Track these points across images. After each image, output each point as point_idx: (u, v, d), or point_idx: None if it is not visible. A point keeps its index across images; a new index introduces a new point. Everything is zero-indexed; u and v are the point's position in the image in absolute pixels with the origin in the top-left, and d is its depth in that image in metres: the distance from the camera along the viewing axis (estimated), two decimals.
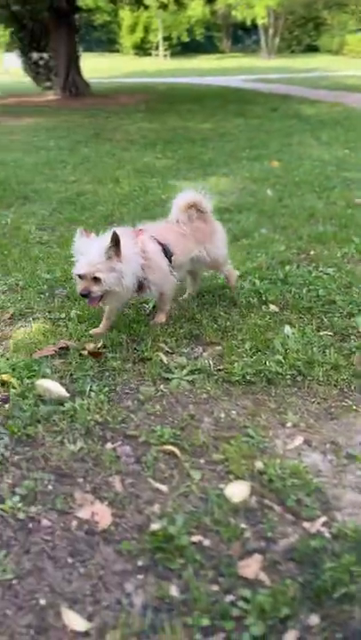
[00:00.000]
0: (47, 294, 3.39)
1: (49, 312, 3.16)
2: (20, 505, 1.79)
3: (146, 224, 3.02)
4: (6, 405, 2.31)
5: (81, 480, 1.92)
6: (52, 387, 2.37)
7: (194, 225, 3.03)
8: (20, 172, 6.94)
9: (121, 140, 9.36)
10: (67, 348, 2.73)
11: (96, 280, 2.53)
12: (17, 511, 1.77)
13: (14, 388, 2.40)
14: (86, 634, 1.40)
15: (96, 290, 2.56)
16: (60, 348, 2.73)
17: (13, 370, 2.52)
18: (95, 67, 25.63)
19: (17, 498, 1.82)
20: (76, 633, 1.40)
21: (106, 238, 2.55)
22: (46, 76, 18.11)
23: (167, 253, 2.85)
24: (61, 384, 2.41)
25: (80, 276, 2.57)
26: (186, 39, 45.16)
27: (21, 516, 1.76)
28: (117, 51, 48.16)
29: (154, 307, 3.16)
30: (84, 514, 1.77)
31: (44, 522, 1.74)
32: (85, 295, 2.58)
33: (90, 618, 1.44)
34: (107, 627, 1.42)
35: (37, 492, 1.85)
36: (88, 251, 2.57)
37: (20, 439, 2.11)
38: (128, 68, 32.43)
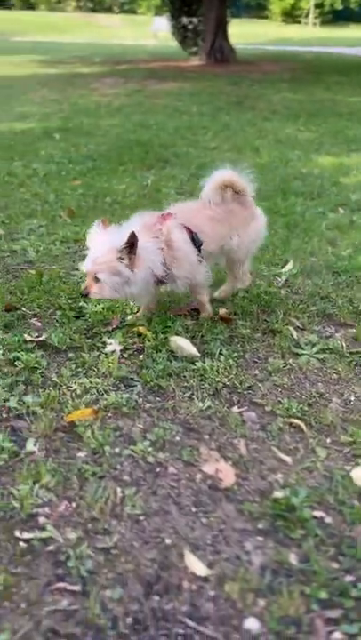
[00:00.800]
0: None
1: None
2: (150, 449, 1.89)
3: (176, 205, 2.71)
4: (140, 356, 2.43)
5: (207, 437, 1.98)
6: (185, 345, 2.45)
7: (229, 207, 2.66)
8: (163, 135, 7.07)
9: (263, 109, 9.17)
10: (197, 311, 2.79)
11: (97, 280, 2.33)
12: (147, 454, 1.87)
13: (149, 340, 2.51)
14: (206, 579, 1.46)
15: (95, 292, 2.35)
16: (192, 310, 2.80)
17: (149, 323, 2.63)
18: (241, 32, 25.13)
19: (147, 442, 1.92)
20: (196, 576, 1.47)
21: (122, 235, 2.29)
22: (193, 40, 18.11)
23: (196, 242, 2.53)
24: (193, 344, 2.48)
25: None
26: (339, 7, 42.76)
27: (150, 459, 1.86)
28: (265, 17, 46.82)
29: (286, 280, 3.13)
30: (208, 469, 1.83)
31: (171, 469, 1.83)
32: (85, 295, 2.39)
33: (210, 565, 1.50)
34: (225, 577, 1.47)
35: (166, 441, 1.94)
36: (98, 246, 2.35)
37: (152, 389, 2.22)
38: (275, 35, 31.45)
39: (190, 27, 17.95)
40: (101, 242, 2.35)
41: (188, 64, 16.63)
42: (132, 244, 2.27)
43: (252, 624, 1.36)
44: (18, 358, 2.35)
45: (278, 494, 1.71)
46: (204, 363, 2.36)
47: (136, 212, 2.56)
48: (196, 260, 2.54)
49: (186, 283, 2.55)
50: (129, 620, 1.36)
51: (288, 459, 1.89)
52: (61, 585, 1.43)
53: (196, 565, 1.49)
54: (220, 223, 2.64)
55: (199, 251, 2.54)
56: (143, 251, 2.34)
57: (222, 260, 2.87)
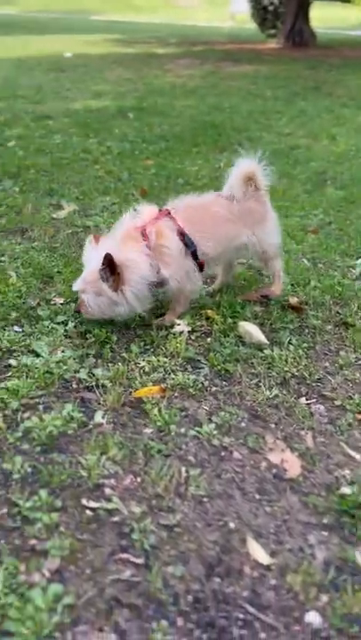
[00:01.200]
0: None
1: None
2: (215, 432, 1.89)
3: (182, 199, 2.51)
4: (208, 339, 2.42)
5: (273, 426, 1.96)
6: (254, 331, 2.41)
7: (246, 205, 2.47)
8: (236, 118, 6.97)
9: (342, 95, 8.87)
10: (268, 298, 2.74)
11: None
12: (212, 437, 1.87)
13: (217, 324, 2.49)
14: (268, 568, 1.45)
15: (85, 311, 2.33)
16: (262, 296, 2.76)
17: (218, 307, 2.61)
18: (322, 16, 24.28)
19: (212, 425, 1.92)
20: (258, 564, 1.46)
21: (103, 252, 2.18)
22: (272, 22, 17.68)
23: (188, 246, 2.34)
24: (261, 331, 2.44)
25: None
26: None
27: (215, 442, 1.85)
28: (348, 1, 45.00)
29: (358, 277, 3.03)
30: (274, 458, 1.81)
31: (236, 454, 1.82)
32: (79, 313, 2.38)
33: (272, 554, 1.49)
34: (288, 568, 1.45)
35: (231, 426, 1.93)
36: (88, 263, 2.29)
37: (219, 373, 2.20)
38: (358, 20, 30.21)
39: (271, 8, 17.51)
40: (90, 259, 2.27)
41: (264, 47, 16.28)
42: (109, 264, 2.16)
43: (313, 618, 1.34)
44: (89, 331, 2.39)
45: (346, 490, 1.67)
46: (272, 351, 2.32)
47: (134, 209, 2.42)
48: (189, 268, 2.36)
49: (177, 286, 2.37)
50: (190, 598, 1.36)
51: (357, 455, 1.84)
52: (125, 556, 1.45)
53: (259, 553, 1.48)
54: (230, 222, 2.45)
55: (195, 255, 2.37)
56: (126, 268, 2.21)
57: (254, 262, 2.77)
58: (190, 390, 2.09)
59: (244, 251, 2.61)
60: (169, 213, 2.36)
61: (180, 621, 1.31)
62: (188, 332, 2.45)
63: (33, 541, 1.47)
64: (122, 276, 2.20)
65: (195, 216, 2.39)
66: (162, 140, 5.73)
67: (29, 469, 1.69)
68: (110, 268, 2.18)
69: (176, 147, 5.51)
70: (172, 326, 2.46)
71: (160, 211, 2.39)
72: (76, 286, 2.30)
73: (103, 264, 2.16)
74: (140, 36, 19.19)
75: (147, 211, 2.39)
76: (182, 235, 2.32)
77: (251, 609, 1.35)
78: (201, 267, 2.44)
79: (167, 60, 12.62)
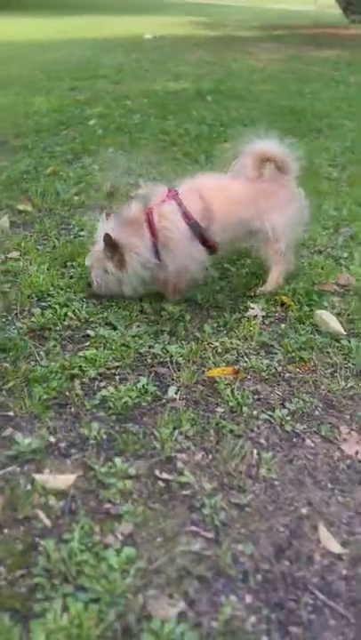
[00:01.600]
0: (331, 230, 3.33)
1: (331, 248, 3.11)
2: (288, 418, 1.87)
3: (196, 179, 2.39)
4: (282, 325, 2.39)
5: (348, 416, 1.91)
6: (330, 320, 2.36)
7: (260, 187, 2.33)
8: (317, 104, 6.77)
9: None
10: (347, 288, 2.68)
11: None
12: (284, 423, 1.85)
13: (292, 311, 2.45)
14: (339, 557, 1.43)
15: (94, 287, 2.36)
16: (340, 285, 2.69)
17: (293, 294, 2.57)
18: None
19: (285, 411, 1.90)
20: (329, 552, 1.44)
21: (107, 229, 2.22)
22: (357, 7, 17.00)
23: (194, 230, 2.25)
24: (338, 321, 2.38)
25: None
26: None
27: (288, 428, 1.83)
28: None
29: None
30: (348, 448, 1.77)
31: (308, 442, 1.79)
32: (90, 286, 2.39)
33: (343, 544, 1.46)
34: (360, 560, 1.43)
35: (304, 413, 1.91)
36: (98, 240, 2.29)
37: (293, 359, 2.17)
38: None
39: None
40: (100, 237, 2.26)
41: (348, 32, 15.68)
42: (110, 245, 2.18)
43: None
44: (164, 309, 2.41)
45: None
46: (349, 342, 2.26)
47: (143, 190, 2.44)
48: (193, 251, 2.28)
49: (175, 271, 2.32)
50: (259, 577, 1.37)
51: None
52: (195, 529, 1.47)
53: (330, 541, 1.46)
54: (244, 206, 2.32)
55: (203, 238, 2.28)
56: (127, 251, 2.20)
57: (260, 249, 2.57)
58: (263, 374, 2.07)
59: (255, 237, 2.47)
60: (177, 194, 2.28)
61: (248, 598, 1.31)
62: (263, 316, 2.43)
63: (107, 505, 1.51)
64: (123, 258, 2.22)
65: (207, 197, 2.27)
66: (239, 124, 5.65)
67: (105, 436, 1.74)
68: (111, 247, 2.19)
69: (254, 131, 5.42)
70: (246, 310, 2.44)
71: (169, 191, 2.29)
72: (87, 261, 2.34)
73: (105, 244, 2.18)
74: (222, 19, 18.95)
75: (158, 191, 2.32)
76: (188, 218, 2.24)
77: (321, 595, 1.34)
78: (213, 249, 2.37)
79: (248, 44, 12.40)
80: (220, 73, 8.68)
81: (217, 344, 2.22)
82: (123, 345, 2.15)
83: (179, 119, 5.67)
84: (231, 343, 2.24)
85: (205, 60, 9.73)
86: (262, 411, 1.90)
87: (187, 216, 2.25)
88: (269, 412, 1.89)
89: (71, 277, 2.58)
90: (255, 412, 1.89)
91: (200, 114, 5.98)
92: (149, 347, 2.17)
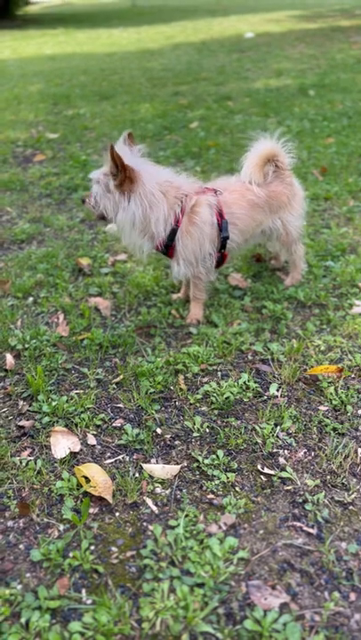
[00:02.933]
0: None
1: None
2: None
3: (222, 182, 2.31)
4: None
5: None
6: None
7: (270, 188, 2.31)
8: None
9: None
10: None
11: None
12: None
13: None
14: None
15: (87, 202, 2.21)
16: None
17: None
18: None
19: None
20: None
21: (127, 152, 2.05)
22: None
23: (222, 230, 2.17)
24: None
25: None
26: None
27: None
28: None
29: None
30: None
31: None
32: (83, 201, 2.24)
33: None
34: None
35: None
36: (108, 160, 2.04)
37: None
38: None
39: None
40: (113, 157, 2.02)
41: None
42: (116, 160, 1.96)
43: None
44: (265, 307, 2.43)
45: None
46: None
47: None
48: (207, 250, 2.20)
49: (189, 268, 2.21)
50: None
51: None
52: (297, 524, 1.48)
53: None
54: (260, 208, 2.31)
55: (223, 243, 2.21)
56: (148, 191, 2.05)
57: (273, 246, 2.59)
58: None
59: (268, 235, 2.45)
60: (215, 192, 2.22)
61: (353, 596, 1.30)
62: None
63: (210, 496, 1.56)
64: (134, 184, 2.04)
65: (232, 201, 2.25)
66: (344, 117, 5.48)
67: (207, 430, 1.80)
68: (116, 165, 1.99)
69: (359, 123, 5.24)
70: (350, 307, 2.40)
71: (206, 188, 2.24)
72: (92, 174, 2.17)
73: (110, 157, 1.98)
74: (323, 10, 18.40)
75: (188, 183, 2.22)
76: (221, 217, 2.20)
77: None
78: (222, 259, 2.31)
79: (352, 33, 11.94)
80: (324, 66, 8.46)
81: (320, 342, 2.20)
82: (224, 342, 2.20)
83: (280, 116, 5.63)
84: (335, 341, 2.20)
85: (307, 54, 9.52)
86: None
87: (220, 215, 2.21)
88: None
89: None
90: (360, 412, 1.86)
91: (302, 109, 5.89)
92: (250, 344, 2.20)
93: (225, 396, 1.91)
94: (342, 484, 1.59)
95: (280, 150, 2.34)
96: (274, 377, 2.03)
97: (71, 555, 1.41)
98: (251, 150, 2.31)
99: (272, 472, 1.63)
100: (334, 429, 1.78)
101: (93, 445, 1.75)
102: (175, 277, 2.28)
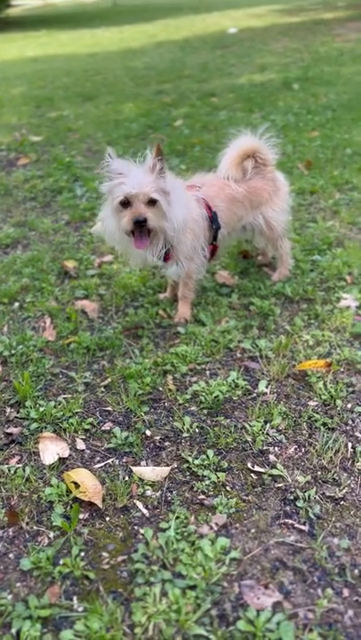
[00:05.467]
0: None
1: None
2: None
3: (198, 178, 2.31)
4: None
5: None
6: None
7: (250, 184, 2.30)
8: None
9: None
10: None
11: (151, 204, 1.90)
12: None
13: None
14: None
15: (152, 216, 1.90)
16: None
17: None
18: None
19: None
20: None
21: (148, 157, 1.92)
22: None
23: (213, 223, 2.17)
24: None
25: (125, 202, 1.90)
26: None
27: None
28: None
29: None
30: None
31: None
32: (141, 223, 1.89)
33: None
34: None
35: None
36: (132, 170, 1.91)
37: None
38: None
39: None
40: (133, 166, 1.95)
41: None
42: (161, 156, 1.89)
43: None
44: (252, 303, 2.42)
45: None
46: None
47: None
48: (200, 245, 2.19)
49: (188, 264, 2.19)
50: (356, 571, 1.34)
51: None
52: (289, 521, 1.47)
53: None
54: (239, 203, 2.29)
55: (215, 235, 2.22)
56: (177, 185, 2.03)
57: (259, 242, 2.59)
58: (358, 366, 2.02)
59: (250, 231, 2.46)
60: (195, 187, 2.22)
61: (346, 592, 1.30)
62: (356, 306, 2.36)
63: (201, 496, 1.55)
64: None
65: (212, 195, 2.24)
66: (328, 110, 5.48)
67: (197, 430, 1.78)
68: (162, 161, 1.91)
69: (343, 116, 5.23)
70: (338, 300, 2.39)
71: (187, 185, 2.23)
72: (134, 189, 1.89)
73: (157, 155, 1.90)
74: (306, 3, 18.39)
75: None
76: (210, 210, 2.19)
77: None
78: (213, 252, 2.32)
79: (335, 25, 11.95)
80: (307, 59, 8.46)
81: (308, 337, 2.19)
82: (212, 340, 2.19)
83: (265, 111, 5.62)
84: (323, 335, 2.20)
85: (291, 48, 9.51)
86: (357, 403, 1.86)
87: (209, 207, 2.22)
88: None
89: (161, 277, 2.66)
90: (350, 405, 1.85)
91: (286, 103, 5.88)
92: (238, 341, 2.19)
93: (214, 394, 1.90)
94: (333, 479, 1.58)
95: (261, 146, 2.33)
96: (263, 374, 2.02)
97: (62, 562, 1.39)
98: (229, 146, 2.30)
99: (263, 470, 1.62)
100: (324, 424, 1.78)
101: (82, 450, 1.74)
102: (173, 278, 2.28)
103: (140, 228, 1.91)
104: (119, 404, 1.91)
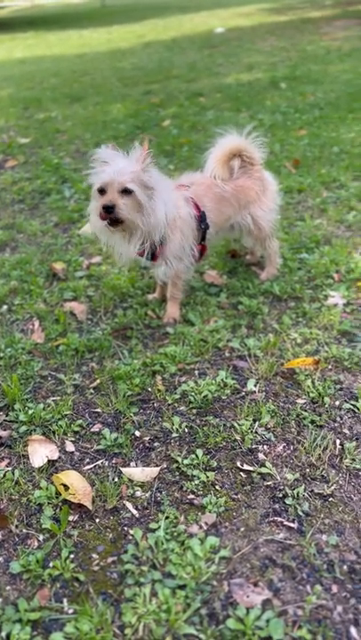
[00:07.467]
0: None
1: None
2: None
3: (187, 177, 2.32)
4: None
5: None
6: None
7: (238, 183, 2.31)
8: None
9: None
10: None
11: (126, 193, 1.90)
12: None
13: None
14: None
15: (123, 205, 1.89)
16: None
17: None
18: None
19: None
20: None
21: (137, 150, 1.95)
22: None
23: (202, 223, 2.18)
24: None
25: (102, 190, 1.93)
26: None
27: None
28: None
29: None
30: None
31: None
32: (109, 209, 1.89)
33: None
34: None
35: None
36: (116, 159, 1.95)
37: None
38: None
39: None
40: (119, 157, 1.99)
41: None
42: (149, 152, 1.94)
43: None
44: (241, 303, 2.42)
45: None
46: None
47: None
48: (189, 246, 2.20)
49: (176, 264, 2.20)
50: (345, 567, 1.35)
51: None
52: (278, 519, 1.48)
53: None
54: (226, 202, 2.30)
55: (204, 235, 2.23)
56: (165, 185, 2.05)
57: (247, 242, 2.59)
58: (345, 363, 2.03)
59: (238, 231, 2.47)
60: (184, 187, 2.23)
61: (334, 588, 1.30)
62: (343, 304, 2.37)
63: (191, 496, 1.56)
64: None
65: (201, 194, 2.25)
66: (315, 109, 5.50)
67: (186, 429, 1.79)
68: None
69: (331, 114, 5.26)
70: (326, 298, 2.40)
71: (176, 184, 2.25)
72: (108, 177, 1.93)
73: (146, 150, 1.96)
74: (293, 2, 18.45)
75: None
76: (198, 209, 2.21)
77: None
78: (201, 252, 2.32)
79: (322, 24, 11.99)
80: (295, 58, 8.48)
81: (296, 335, 2.20)
82: (201, 340, 2.19)
83: (253, 110, 5.63)
84: (311, 333, 2.21)
85: (278, 47, 9.54)
86: (345, 400, 1.87)
87: (197, 207, 2.22)
88: (353, 402, 1.85)
89: (150, 278, 2.66)
90: (338, 402, 1.86)
91: (274, 102, 5.90)
92: (227, 341, 2.19)
93: (203, 394, 1.91)
94: (322, 476, 1.59)
95: (247, 145, 2.33)
96: (251, 373, 2.03)
97: (51, 564, 1.39)
98: (215, 146, 2.30)
99: (252, 468, 1.63)
100: (312, 422, 1.79)
101: (72, 452, 1.73)
102: (161, 279, 2.28)
103: (108, 216, 1.91)
104: (108, 406, 1.91)
